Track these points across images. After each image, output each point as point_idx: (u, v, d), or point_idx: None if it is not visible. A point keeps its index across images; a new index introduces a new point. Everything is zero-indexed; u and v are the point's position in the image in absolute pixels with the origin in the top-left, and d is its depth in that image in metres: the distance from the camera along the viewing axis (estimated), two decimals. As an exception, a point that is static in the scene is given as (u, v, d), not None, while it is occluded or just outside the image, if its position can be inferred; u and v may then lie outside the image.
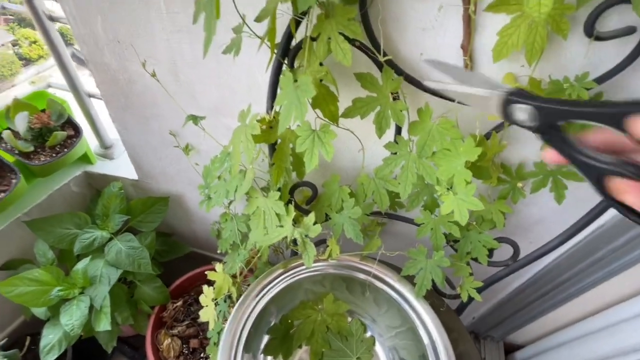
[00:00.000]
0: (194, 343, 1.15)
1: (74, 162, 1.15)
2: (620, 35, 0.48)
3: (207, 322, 1.10)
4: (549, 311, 1.10)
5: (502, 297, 1.15)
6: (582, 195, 0.68)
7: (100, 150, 1.26)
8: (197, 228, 1.36)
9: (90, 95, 1.11)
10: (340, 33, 0.49)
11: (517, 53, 0.52)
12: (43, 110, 1.06)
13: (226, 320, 0.90)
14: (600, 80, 0.53)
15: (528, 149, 0.69)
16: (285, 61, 0.60)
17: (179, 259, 1.33)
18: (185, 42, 0.73)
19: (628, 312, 0.95)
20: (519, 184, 0.69)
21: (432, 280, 0.69)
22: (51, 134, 1.01)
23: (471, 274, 0.75)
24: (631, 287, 0.93)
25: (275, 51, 0.58)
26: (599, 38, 0.50)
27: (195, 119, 0.78)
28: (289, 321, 0.79)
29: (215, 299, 0.82)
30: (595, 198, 0.61)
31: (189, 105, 0.85)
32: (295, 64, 0.62)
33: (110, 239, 1.09)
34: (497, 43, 0.51)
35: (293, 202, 0.74)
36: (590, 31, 0.49)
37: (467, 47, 0.57)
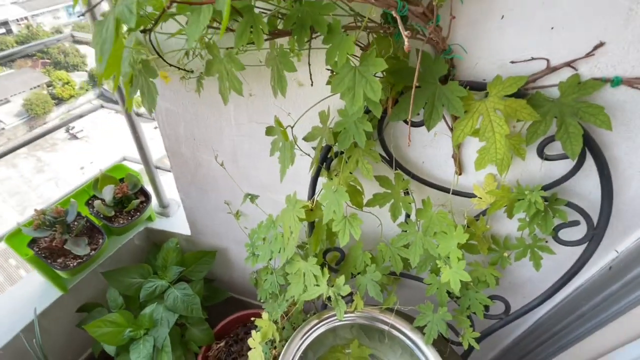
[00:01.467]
0: (234, 380, 1.32)
1: (142, 222, 1.40)
2: (560, 158, 0.69)
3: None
4: (550, 359, 1.23)
5: (505, 345, 1.29)
6: (561, 259, 0.86)
7: (159, 209, 1.51)
8: (236, 276, 1.56)
9: (156, 167, 1.37)
10: (365, 157, 0.72)
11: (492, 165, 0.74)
12: (121, 180, 1.32)
13: (268, 360, 1.08)
14: (553, 185, 0.74)
15: (511, 225, 0.88)
16: (323, 165, 0.84)
17: (219, 303, 1.53)
18: (246, 142, 0.98)
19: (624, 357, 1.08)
20: (505, 254, 0.88)
21: (439, 330, 0.86)
22: (129, 202, 1.26)
23: (472, 326, 0.92)
24: (617, 338, 1.07)
25: (318, 160, 0.81)
26: (547, 159, 0.71)
27: (252, 198, 1.01)
28: (323, 362, 0.96)
29: (261, 342, 1.01)
30: (569, 262, 0.80)
31: (243, 184, 1.09)
32: (331, 167, 0.85)
33: (168, 287, 1.30)
34: (477, 158, 0.73)
35: (327, 266, 0.94)
36: (541, 154, 0.70)
37: (456, 158, 0.78)
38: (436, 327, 0.86)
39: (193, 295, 1.28)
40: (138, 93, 0.64)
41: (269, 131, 0.68)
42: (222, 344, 1.40)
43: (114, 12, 0.42)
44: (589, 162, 0.69)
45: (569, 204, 0.74)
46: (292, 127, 0.70)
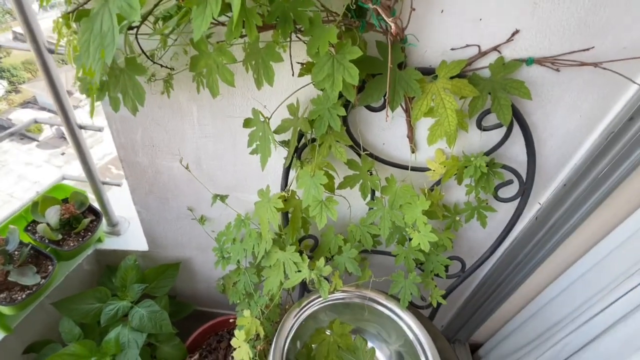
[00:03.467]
0: (214, 390, 1.29)
1: (94, 242, 1.30)
2: (495, 127, 0.83)
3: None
4: (496, 309, 1.42)
5: (460, 304, 1.46)
6: (501, 217, 1.02)
7: (108, 229, 1.41)
8: (199, 287, 1.52)
9: (104, 183, 1.29)
10: (337, 141, 0.79)
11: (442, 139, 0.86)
12: (65, 200, 1.22)
13: (255, 358, 1.09)
14: (491, 151, 0.88)
15: (459, 192, 1.02)
16: (294, 155, 0.89)
17: (183, 319, 1.47)
18: (210, 143, 0.99)
19: (544, 300, 1.29)
20: (457, 218, 1.01)
21: (411, 294, 0.96)
22: (78, 222, 1.17)
23: (436, 286, 1.04)
24: (544, 281, 1.28)
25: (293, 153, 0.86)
26: (485, 129, 0.85)
27: (222, 198, 1.02)
28: (309, 346, 1.00)
29: (246, 339, 1.02)
30: (507, 218, 0.95)
31: (209, 187, 1.09)
32: (302, 156, 0.90)
33: (132, 307, 1.23)
34: (429, 135, 0.84)
35: (304, 253, 0.99)
36: (480, 126, 0.84)
37: (411, 137, 0.89)
38: (409, 290, 0.96)
39: (160, 312, 1.23)
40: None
41: (247, 123, 0.72)
42: (196, 356, 1.35)
43: (111, 8, 0.43)
44: (516, 130, 0.84)
45: (504, 167, 0.89)
46: (268, 119, 0.75)
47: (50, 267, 1.10)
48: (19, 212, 1.15)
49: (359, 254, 1.06)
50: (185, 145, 1.00)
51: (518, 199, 0.93)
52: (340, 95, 0.75)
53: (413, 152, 0.93)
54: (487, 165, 0.88)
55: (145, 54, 0.57)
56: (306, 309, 1.01)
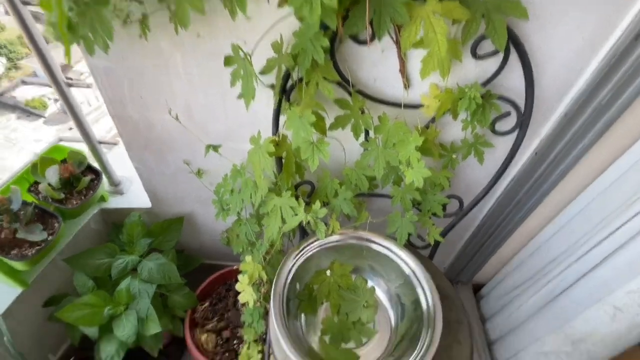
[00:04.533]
0: (226, 333, 1.37)
1: (96, 201, 1.32)
2: (490, 55, 0.79)
3: (234, 314, 1.33)
4: (496, 249, 1.44)
5: (462, 245, 1.48)
6: (499, 152, 1.00)
7: (111, 188, 1.43)
8: (205, 240, 1.56)
9: (100, 142, 1.29)
10: (324, 78, 0.76)
11: (435, 72, 0.82)
12: (63, 161, 1.23)
13: (258, 301, 1.13)
14: (487, 82, 0.84)
15: (456, 130, 1.00)
16: (283, 97, 0.86)
17: (192, 272, 1.53)
18: (199, 92, 0.97)
19: (544, 237, 1.30)
20: (454, 156, 1.00)
21: (409, 234, 0.97)
22: (78, 181, 1.18)
23: (433, 225, 1.05)
24: (544, 218, 1.28)
25: (278, 92, 0.84)
26: (480, 57, 0.81)
27: (215, 147, 1.01)
28: (310, 286, 1.04)
29: (250, 283, 1.06)
30: (505, 153, 0.94)
31: (202, 138, 1.08)
32: (291, 98, 0.88)
33: (140, 261, 1.27)
34: (422, 68, 0.80)
35: (300, 197, 0.99)
36: (474, 54, 0.80)
37: (403, 71, 0.86)
38: (406, 229, 0.97)
39: (168, 263, 1.27)
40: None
41: (228, 61, 0.69)
42: (207, 304, 1.42)
43: None
44: (513, 57, 0.80)
45: (501, 98, 0.86)
46: (250, 55, 0.72)
47: (56, 224, 1.13)
48: (20, 174, 1.17)
49: (356, 197, 1.06)
50: (173, 96, 0.98)
51: (516, 132, 0.91)
52: (325, 28, 0.71)
53: (406, 87, 0.90)
54: (482, 97, 0.85)
55: None
56: (305, 252, 1.03)
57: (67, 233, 1.26)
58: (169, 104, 1.00)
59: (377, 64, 0.85)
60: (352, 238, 1.03)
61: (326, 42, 0.67)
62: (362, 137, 0.90)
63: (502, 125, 0.91)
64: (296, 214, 0.94)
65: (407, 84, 0.88)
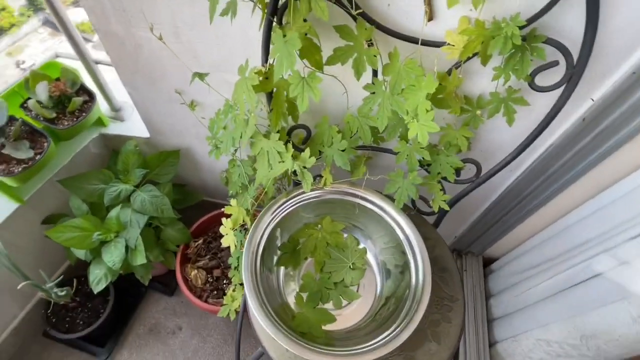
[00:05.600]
0: (216, 272, 1.36)
1: (91, 125, 1.27)
2: (544, -21, 0.59)
3: (227, 254, 1.29)
4: (516, 225, 1.29)
5: (477, 216, 1.33)
6: (535, 116, 0.82)
7: (111, 113, 1.38)
8: (206, 177, 1.51)
9: (97, 62, 1.20)
10: (318, -6, 0.60)
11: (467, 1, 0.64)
12: (58, 79, 1.16)
13: (243, 246, 1.08)
14: (533, 19, 0.65)
15: (485, 81, 0.82)
16: (275, 19, 0.71)
17: (192, 207, 1.50)
18: (186, 6, 0.83)
19: (575, 219, 1.13)
20: (478, 112, 0.83)
21: (412, 199, 0.85)
22: (70, 101, 1.12)
23: (442, 190, 0.91)
24: (580, 196, 1.10)
25: (266, 11, 0.69)
26: (529, -17, 0.61)
27: (200, 75, 0.90)
28: (296, 239, 0.96)
29: (233, 228, 0.99)
30: (535, 124, 0.76)
31: (192, 65, 0.96)
32: (283, 21, 0.73)
33: (134, 191, 1.24)
34: (450, -9, 0.62)
35: (291, 142, 0.88)
36: (522, -23, 0.60)
37: (426, -3, 0.67)
38: (406, 191, 0.84)
39: (161, 197, 1.23)
40: None
41: (195, -40, 0.55)
42: (200, 241, 1.40)
43: None
44: (574, -14, 0.60)
45: (549, 41, 0.67)
46: (223, -45, 0.57)
47: (45, 143, 1.09)
48: (12, 88, 1.12)
49: (358, 149, 0.94)
50: (157, 10, 0.85)
51: (562, 88, 0.72)
52: None
53: (430, 19, 0.72)
54: (524, 37, 0.66)
55: None
56: (295, 200, 0.94)
57: (62, 154, 1.23)
58: (152, 18, 0.87)
59: (393, -18, 0.67)
60: (343, 194, 0.92)
61: (316, -61, 0.51)
62: (365, 78, 0.74)
63: (544, 79, 0.72)
64: (282, 161, 0.84)
65: (431, 15, 0.70)
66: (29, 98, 1.14)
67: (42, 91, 1.09)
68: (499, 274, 1.49)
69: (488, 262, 1.58)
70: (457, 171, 0.89)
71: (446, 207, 0.90)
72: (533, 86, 0.73)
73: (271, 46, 0.75)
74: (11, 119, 1.05)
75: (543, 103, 0.81)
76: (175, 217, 1.27)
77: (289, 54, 0.62)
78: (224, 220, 1.00)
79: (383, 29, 0.72)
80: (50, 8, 1.01)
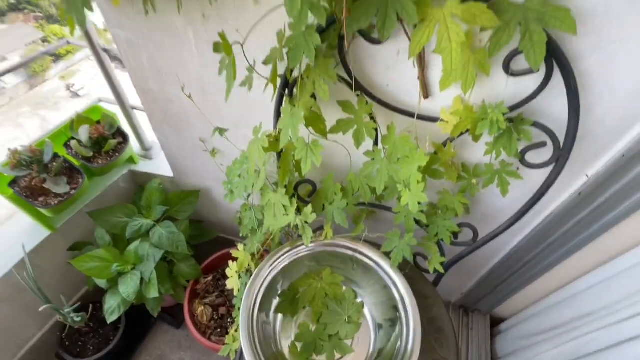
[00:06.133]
0: (222, 310, 1.40)
1: (122, 163, 1.40)
2: (526, 73, 0.65)
3: (233, 292, 1.34)
4: (523, 287, 1.27)
5: (483, 274, 1.33)
6: (530, 187, 0.85)
7: (142, 152, 1.51)
8: (222, 216, 1.60)
9: (133, 108, 1.35)
10: (321, 77, 0.69)
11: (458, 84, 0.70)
12: (98, 122, 1.31)
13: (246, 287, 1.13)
14: (521, 104, 0.71)
15: (481, 151, 0.86)
16: (286, 92, 0.80)
17: (207, 242, 1.57)
18: (212, 73, 0.95)
19: (583, 286, 1.11)
20: (474, 181, 0.87)
21: (413, 256, 0.88)
22: (106, 142, 1.25)
23: (440, 252, 0.94)
24: (586, 265, 1.09)
25: (277, 86, 0.78)
26: (514, 74, 0.67)
27: (221, 131, 1.00)
28: (296, 288, 1.00)
29: (238, 271, 1.05)
30: (530, 194, 0.80)
31: (215, 119, 1.07)
32: (294, 92, 0.82)
33: (154, 226, 1.33)
34: (442, 77, 0.69)
35: (296, 196, 0.95)
36: (507, 69, 0.67)
37: (422, 79, 0.75)
38: (402, 252, 0.88)
39: (178, 233, 1.32)
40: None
41: (217, 48, 0.65)
42: (210, 278, 1.46)
43: None
44: (558, 79, 0.65)
45: (536, 124, 0.72)
46: (241, 44, 0.67)
47: (80, 179, 1.21)
48: (60, 129, 1.26)
49: (359, 205, 0.99)
50: (188, 74, 0.97)
51: (551, 167, 0.76)
52: (332, 22, 0.63)
53: (426, 97, 0.79)
54: (511, 120, 0.71)
55: None
56: (297, 250, 0.99)
57: (93, 189, 1.35)
58: (183, 80, 0.99)
59: (391, 67, 0.75)
60: (343, 247, 0.96)
61: (318, 39, 0.60)
62: (364, 146, 0.81)
63: (534, 157, 0.76)
64: (287, 214, 0.90)
65: (426, 94, 0.77)
66: (72, 137, 1.28)
67: (83, 133, 1.22)
68: (506, 335, 1.45)
69: (496, 322, 1.54)
70: (455, 234, 0.93)
71: (441, 270, 0.92)
72: (524, 162, 0.78)
73: (281, 116, 0.84)
74: (55, 156, 1.18)
75: (537, 176, 0.84)
76: (189, 253, 1.35)
77: (294, 126, 0.70)
78: (230, 263, 1.07)
79: (382, 103, 0.80)
80: (98, 62, 1.16)
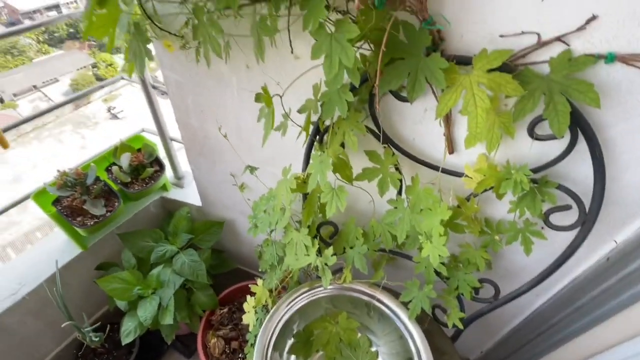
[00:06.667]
0: (234, 344, 1.39)
1: (156, 190, 1.48)
2: (550, 138, 0.67)
3: (247, 327, 1.34)
4: (547, 352, 1.21)
5: (504, 334, 1.27)
6: (556, 246, 0.84)
7: (174, 180, 1.59)
8: (243, 248, 1.63)
9: (172, 139, 1.44)
10: (351, 129, 0.73)
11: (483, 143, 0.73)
12: (139, 150, 1.40)
13: (262, 325, 1.13)
14: (546, 166, 0.72)
15: (505, 208, 0.87)
16: (316, 138, 0.85)
17: (226, 273, 1.60)
18: (249, 114, 1.02)
19: (620, 355, 1.05)
20: (496, 237, 0.87)
21: (432, 308, 0.87)
22: (144, 170, 1.34)
23: (462, 309, 0.93)
24: (618, 334, 1.03)
25: (309, 133, 0.83)
26: (538, 138, 0.69)
27: (252, 169, 1.05)
28: (311, 330, 1.00)
29: (255, 307, 1.06)
30: (555, 255, 0.79)
31: (247, 156, 1.13)
32: (324, 139, 0.87)
33: (177, 252, 1.38)
34: (467, 136, 0.72)
35: (318, 237, 0.97)
36: (532, 134, 0.69)
37: (448, 135, 0.78)
38: (420, 303, 0.87)
39: (199, 262, 1.35)
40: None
41: (258, 98, 0.71)
42: (225, 310, 1.47)
43: None
44: (583, 145, 0.67)
45: (560, 187, 0.72)
46: (280, 96, 0.73)
47: (116, 203, 1.29)
48: (104, 154, 1.36)
49: (379, 251, 1.00)
50: (227, 114, 1.05)
51: (576, 230, 0.75)
52: (364, 80, 0.69)
53: (451, 152, 0.81)
54: (536, 182, 0.73)
55: (148, 17, 0.60)
56: (314, 292, 1.00)
57: (126, 212, 1.43)
58: (222, 120, 1.06)
59: (418, 122, 0.79)
60: (361, 293, 0.96)
61: (350, 97, 0.65)
62: (388, 194, 0.84)
63: (559, 219, 0.76)
64: (308, 255, 0.92)
65: (451, 149, 0.80)
66: (114, 163, 1.38)
67: (125, 160, 1.32)
68: (528, 403, 1.35)
69: (518, 387, 1.44)
70: (476, 289, 0.91)
71: (460, 325, 0.90)
72: (548, 224, 0.78)
73: (311, 160, 0.89)
74: (96, 179, 1.27)
75: (563, 237, 0.83)
76: (208, 283, 1.37)
77: (322, 172, 0.74)
78: (248, 298, 1.08)
79: (408, 155, 0.83)
80: (146, 97, 1.27)
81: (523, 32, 0.61)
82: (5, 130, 1.14)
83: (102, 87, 1.35)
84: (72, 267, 1.35)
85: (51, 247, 1.36)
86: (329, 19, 0.52)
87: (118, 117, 15.92)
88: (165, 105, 1.35)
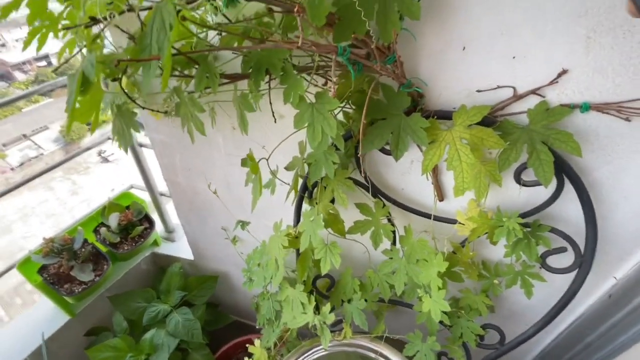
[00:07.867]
0: (234, 407, 1.32)
1: (147, 247, 1.44)
2: (536, 184, 0.68)
3: (246, 389, 1.27)
4: (562, 390, 1.16)
5: (515, 374, 1.22)
6: (557, 285, 0.82)
7: (165, 234, 1.56)
8: (239, 300, 1.58)
9: (161, 194, 1.42)
10: (339, 187, 0.73)
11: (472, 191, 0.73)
12: (127, 207, 1.38)
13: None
14: (537, 210, 0.72)
15: (502, 251, 0.86)
16: (306, 194, 0.85)
17: (223, 327, 1.54)
18: (237, 170, 1.01)
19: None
20: (496, 281, 0.85)
21: (437, 356, 0.84)
22: (133, 228, 1.31)
23: (469, 357, 0.89)
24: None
25: (298, 191, 0.83)
26: (525, 185, 0.69)
27: (243, 224, 1.04)
28: (314, 391, 0.95)
29: (254, 370, 1.01)
30: (564, 289, 0.77)
31: (238, 210, 1.11)
32: (314, 194, 0.86)
33: (171, 311, 1.33)
34: (455, 185, 0.72)
35: (315, 291, 0.94)
36: (519, 180, 0.69)
37: (436, 184, 0.78)
38: (425, 357, 0.84)
39: (194, 320, 1.30)
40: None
41: (244, 163, 0.71)
42: (223, 369, 1.40)
43: (81, 67, 0.46)
44: (570, 188, 0.67)
45: (554, 230, 0.72)
46: (267, 160, 0.73)
47: (105, 266, 1.25)
48: (92, 214, 1.34)
49: (378, 302, 0.97)
50: (215, 171, 1.04)
51: (575, 272, 0.74)
52: (347, 138, 0.69)
53: (441, 200, 0.81)
54: (528, 228, 0.72)
55: (131, 99, 0.61)
56: (315, 351, 0.97)
57: (116, 273, 1.38)
58: (211, 176, 1.06)
59: (406, 173, 0.79)
60: (363, 348, 0.93)
61: (337, 158, 0.65)
62: (383, 246, 0.83)
63: (556, 261, 0.75)
64: (305, 312, 0.89)
65: (441, 197, 0.80)
66: (102, 223, 1.35)
67: (113, 220, 1.29)
68: None
69: None
70: (481, 336, 0.88)
71: (468, 377, 0.86)
72: (545, 267, 0.77)
73: (301, 218, 0.88)
74: (84, 243, 1.23)
75: (562, 276, 0.82)
76: (204, 342, 1.31)
77: (313, 231, 0.73)
78: (246, 359, 1.03)
79: (399, 205, 0.83)
80: (134, 157, 1.27)
81: (499, 87, 0.62)
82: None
83: (89, 148, 1.34)
84: (60, 336, 1.29)
85: (37, 316, 1.30)
86: (308, 91, 0.53)
87: (109, 160, 15.89)
88: (153, 158, 1.34)
